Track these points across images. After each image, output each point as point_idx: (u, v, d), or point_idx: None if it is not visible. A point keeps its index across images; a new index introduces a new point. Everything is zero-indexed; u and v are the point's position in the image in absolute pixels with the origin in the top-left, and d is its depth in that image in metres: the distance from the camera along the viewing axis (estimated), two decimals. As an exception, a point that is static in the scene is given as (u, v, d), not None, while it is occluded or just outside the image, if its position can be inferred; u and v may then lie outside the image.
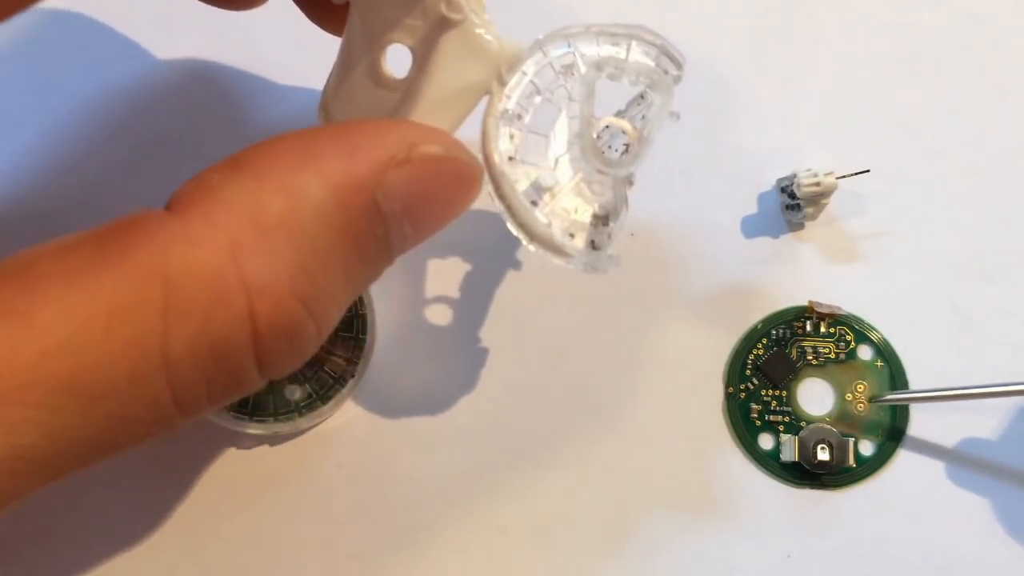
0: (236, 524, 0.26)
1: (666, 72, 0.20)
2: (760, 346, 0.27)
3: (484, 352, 0.27)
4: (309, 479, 0.26)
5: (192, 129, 0.28)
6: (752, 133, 0.28)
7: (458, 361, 0.27)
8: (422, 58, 0.19)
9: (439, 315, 0.27)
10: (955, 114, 0.28)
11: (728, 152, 0.28)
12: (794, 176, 0.26)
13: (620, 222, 0.20)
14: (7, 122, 0.28)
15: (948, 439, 0.27)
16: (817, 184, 0.26)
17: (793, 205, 0.27)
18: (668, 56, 0.20)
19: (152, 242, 0.15)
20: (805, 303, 0.27)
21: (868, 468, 0.26)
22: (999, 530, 0.26)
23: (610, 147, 0.21)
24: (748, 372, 0.27)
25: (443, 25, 0.19)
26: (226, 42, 0.25)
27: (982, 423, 0.27)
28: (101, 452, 0.15)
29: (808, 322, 0.27)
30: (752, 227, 0.28)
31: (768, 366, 0.27)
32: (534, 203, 0.20)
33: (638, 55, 0.20)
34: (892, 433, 0.27)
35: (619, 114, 0.21)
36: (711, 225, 0.27)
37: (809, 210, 0.27)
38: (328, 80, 0.21)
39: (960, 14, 0.29)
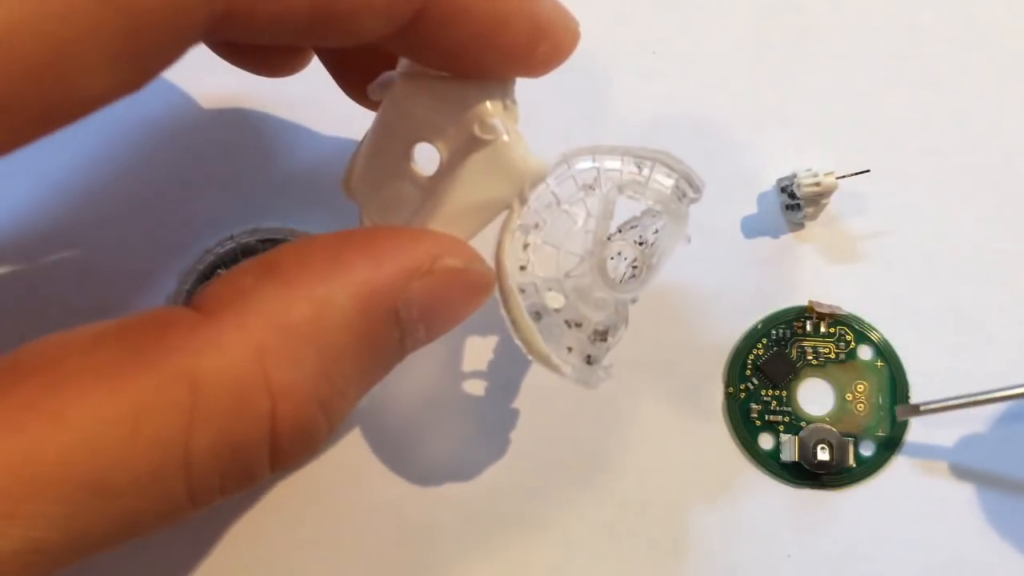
0: (236, 524, 0.26)
1: (683, 195, 0.21)
2: (760, 346, 0.27)
3: (483, 352, 0.27)
4: (310, 480, 0.26)
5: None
6: (752, 133, 0.28)
7: (457, 361, 0.27)
8: (450, 165, 0.20)
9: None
10: (955, 114, 0.28)
11: (728, 152, 0.28)
12: (794, 176, 0.26)
13: (618, 338, 0.21)
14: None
15: (948, 439, 0.26)
16: (817, 184, 0.26)
17: (793, 205, 0.27)
18: (687, 181, 0.21)
19: (183, 346, 0.15)
20: (805, 303, 0.27)
21: (868, 468, 0.26)
22: (998, 530, 0.26)
23: (619, 253, 0.21)
24: (748, 372, 0.27)
25: (475, 141, 0.19)
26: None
27: (982, 423, 0.27)
28: (112, 543, 0.15)
29: (808, 322, 0.27)
30: (752, 227, 0.28)
31: (768, 366, 0.27)
32: (538, 314, 0.21)
33: (660, 176, 0.21)
34: (892, 433, 0.27)
35: (634, 221, 0.22)
36: (711, 225, 0.27)
37: (809, 210, 0.27)
38: (354, 156, 0.21)
39: (960, 14, 0.29)
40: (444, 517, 0.26)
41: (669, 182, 0.21)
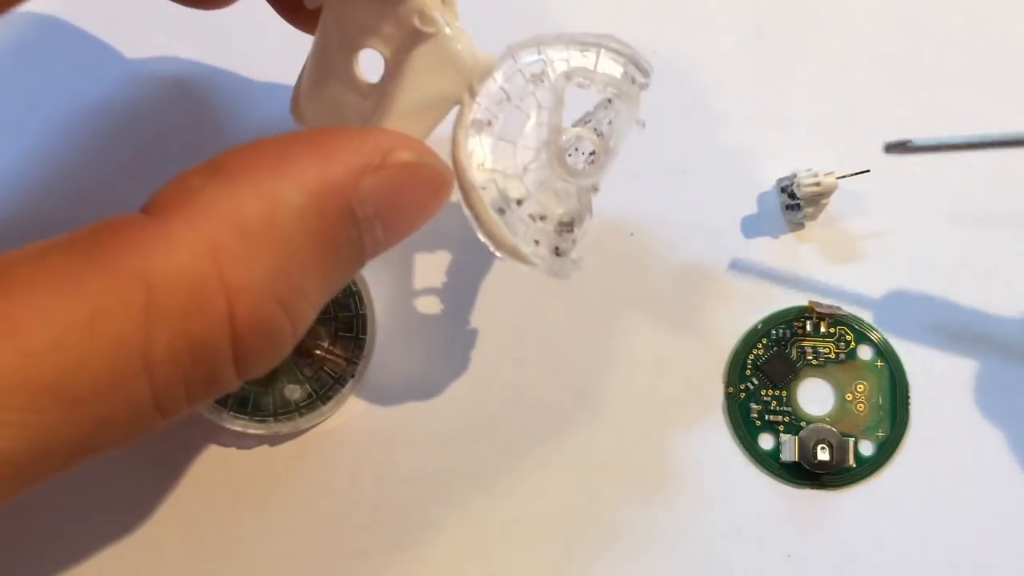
0: (236, 524, 0.26)
1: (633, 81, 0.20)
2: (760, 346, 0.27)
3: (485, 353, 0.27)
4: (309, 479, 0.26)
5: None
6: (752, 133, 0.28)
7: (459, 363, 0.27)
8: (395, 66, 0.19)
9: (439, 315, 0.27)
10: (955, 114, 0.28)
11: (728, 152, 0.28)
12: (794, 176, 0.26)
13: (584, 228, 0.21)
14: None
15: (948, 439, 0.26)
16: (817, 184, 0.26)
17: (793, 205, 0.27)
18: (636, 65, 0.20)
19: (134, 246, 0.15)
20: (805, 303, 0.27)
21: (868, 468, 0.26)
22: (998, 530, 0.26)
23: (577, 149, 0.21)
24: (748, 372, 0.27)
25: (416, 37, 0.19)
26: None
27: (981, 422, 0.27)
28: (81, 455, 0.15)
29: (808, 322, 0.27)
30: (752, 227, 0.28)
31: (768, 366, 0.27)
32: (501, 210, 0.20)
33: (607, 63, 0.20)
34: (892, 433, 0.27)
35: (587, 116, 0.22)
36: (711, 225, 0.27)
37: (809, 210, 0.27)
38: (300, 76, 0.21)
39: (960, 14, 0.29)
40: (444, 517, 0.26)
41: (618, 68, 0.20)
